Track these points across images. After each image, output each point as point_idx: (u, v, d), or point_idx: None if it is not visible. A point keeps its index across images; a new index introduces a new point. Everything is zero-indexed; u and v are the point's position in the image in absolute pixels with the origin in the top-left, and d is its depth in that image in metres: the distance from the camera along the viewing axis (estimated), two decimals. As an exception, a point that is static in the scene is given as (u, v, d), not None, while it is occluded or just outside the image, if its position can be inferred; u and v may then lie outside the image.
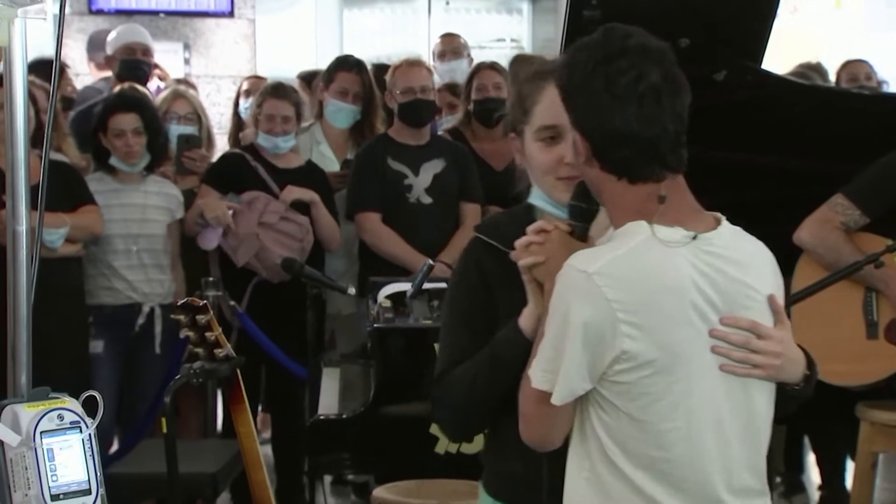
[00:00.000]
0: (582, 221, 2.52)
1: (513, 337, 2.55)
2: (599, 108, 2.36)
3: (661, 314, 2.30)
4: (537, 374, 2.37)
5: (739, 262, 2.40)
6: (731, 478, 2.40)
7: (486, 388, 2.60)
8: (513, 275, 2.54)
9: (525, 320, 2.53)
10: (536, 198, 2.75)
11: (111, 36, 7.48)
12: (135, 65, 7.12)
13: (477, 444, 4.36)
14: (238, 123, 7.06)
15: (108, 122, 5.66)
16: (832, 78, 7.35)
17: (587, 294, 2.30)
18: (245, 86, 7.30)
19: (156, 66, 7.65)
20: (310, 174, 5.93)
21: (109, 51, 7.30)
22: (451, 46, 7.55)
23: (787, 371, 2.44)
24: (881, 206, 4.61)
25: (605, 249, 2.37)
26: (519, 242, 2.52)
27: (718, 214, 2.47)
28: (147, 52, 7.28)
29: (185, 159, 6.04)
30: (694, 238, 2.36)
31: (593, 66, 2.37)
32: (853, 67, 7.31)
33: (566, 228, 2.51)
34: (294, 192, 5.77)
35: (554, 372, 2.34)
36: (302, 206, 5.80)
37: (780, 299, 2.47)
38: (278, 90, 5.96)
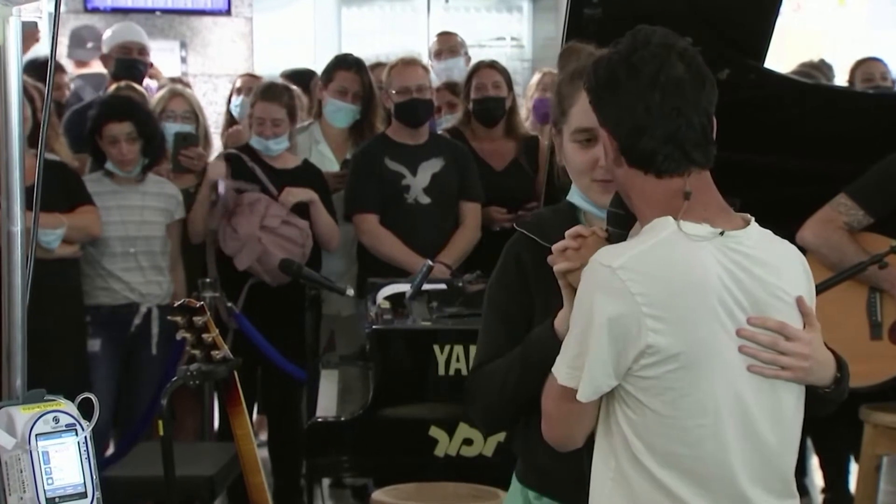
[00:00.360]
0: (619, 228, 2.52)
1: (546, 338, 2.55)
2: (623, 98, 2.37)
3: (686, 308, 2.30)
4: (562, 371, 2.37)
5: (768, 262, 2.39)
6: (758, 477, 2.38)
7: (517, 387, 2.61)
8: (552, 272, 2.55)
9: (560, 323, 2.53)
10: (575, 196, 2.78)
11: (106, 34, 7.45)
12: (130, 64, 7.09)
13: (477, 447, 4.36)
14: (230, 122, 7.03)
15: (102, 129, 5.64)
16: (845, 77, 7.28)
17: (612, 289, 2.29)
18: (238, 83, 7.27)
19: (150, 65, 7.62)
20: (307, 174, 5.90)
21: (105, 49, 7.26)
22: (448, 45, 7.53)
23: (816, 373, 2.44)
24: (885, 205, 4.59)
25: (630, 244, 2.38)
26: (556, 247, 2.53)
27: (748, 216, 2.46)
28: (143, 51, 7.25)
29: (181, 157, 6.02)
30: (721, 234, 2.35)
31: (617, 60, 2.39)
32: (868, 67, 7.19)
33: (603, 234, 2.52)
34: (294, 195, 5.73)
35: (579, 368, 2.33)
36: (300, 206, 5.76)
37: (811, 302, 2.47)
38: (268, 92, 5.90)
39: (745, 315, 2.34)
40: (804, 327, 2.42)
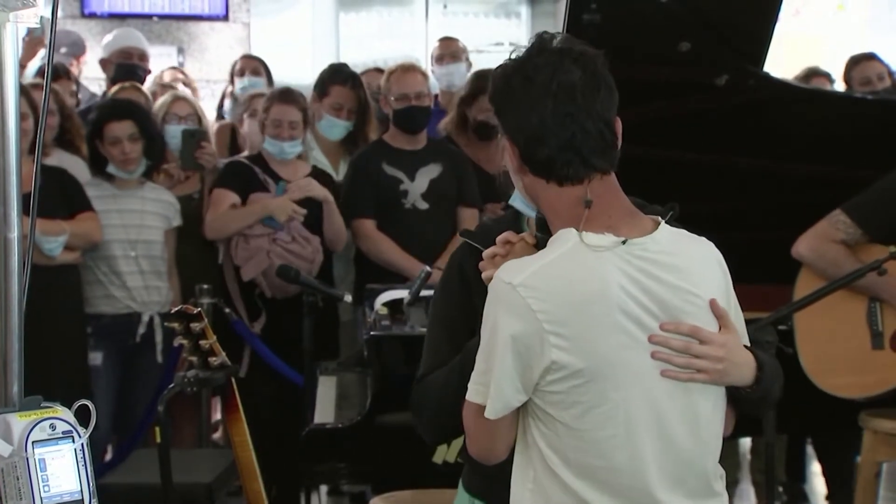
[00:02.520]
0: (548, 234, 2.50)
1: None
2: (518, 106, 2.38)
3: (588, 323, 2.29)
4: (471, 387, 2.38)
5: (677, 266, 2.39)
6: (676, 482, 2.39)
7: (457, 394, 2.59)
8: None
9: None
10: (516, 199, 2.74)
11: (107, 39, 7.49)
12: (130, 69, 7.11)
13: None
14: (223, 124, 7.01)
15: (104, 130, 5.63)
16: (840, 77, 7.14)
17: (513, 306, 2.30)
18: (239, 66, 7.29)
19: (149, 71, 7.62)
20: (317, 181, 5.87)
21: (105, 54, 7.28)
22: (450, 50, 7.52)
23: (733, 374, 2.44)
24: (882, 226, 4.52)
25: (532, 259, 2.37)
26: (486, 254, 2.55)
27: (657, 217, 2.45)
28: (143, 56, 7.29)
29: (199, 153, 5.97)
30: (623, 243, 2.34)
31: (513, 68, 2.39)
32: (863, 69, 6.87)
33: (531, 240, 2.52)
34: (301, 188, 5.68)
35: (486, 385, 2.34)
36: (311, 211, 5.73)
37: (728, 301, 2.47)
38: (286, 95, 5.89)
39: (656, 321, 2.34)
40: (720, 329, 2.42)
